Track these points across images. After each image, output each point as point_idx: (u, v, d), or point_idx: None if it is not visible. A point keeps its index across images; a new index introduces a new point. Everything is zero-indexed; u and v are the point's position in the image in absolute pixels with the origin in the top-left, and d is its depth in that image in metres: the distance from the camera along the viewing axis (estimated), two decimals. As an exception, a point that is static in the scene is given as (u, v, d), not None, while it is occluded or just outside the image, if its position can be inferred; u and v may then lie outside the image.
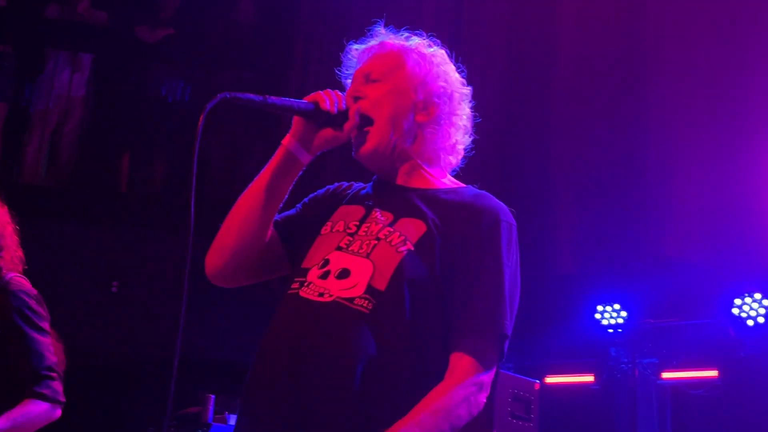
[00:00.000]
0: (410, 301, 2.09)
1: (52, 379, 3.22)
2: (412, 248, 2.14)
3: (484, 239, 2.18)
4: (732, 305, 6.27)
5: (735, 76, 6.44)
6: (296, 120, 2.28)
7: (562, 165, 6.94)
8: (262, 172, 2.29)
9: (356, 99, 2.30)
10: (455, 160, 2.40)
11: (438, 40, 2.45)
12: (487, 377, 2.12)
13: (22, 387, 3.18)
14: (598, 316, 6.98)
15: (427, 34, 2.43)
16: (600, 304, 6.97)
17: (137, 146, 8.52)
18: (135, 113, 8.38)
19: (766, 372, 6.25)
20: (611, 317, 6.92)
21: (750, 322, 6.19)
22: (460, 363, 2.10)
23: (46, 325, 3.30)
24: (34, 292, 3.34)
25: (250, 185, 2.29)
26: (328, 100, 2.24)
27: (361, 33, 2.43)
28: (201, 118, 2.07)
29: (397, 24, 2.42)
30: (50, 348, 3.26)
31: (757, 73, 6.36)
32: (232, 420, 5.96)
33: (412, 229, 2.18)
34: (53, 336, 3.37)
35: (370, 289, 2.10)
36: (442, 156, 2.36)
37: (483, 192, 2.32)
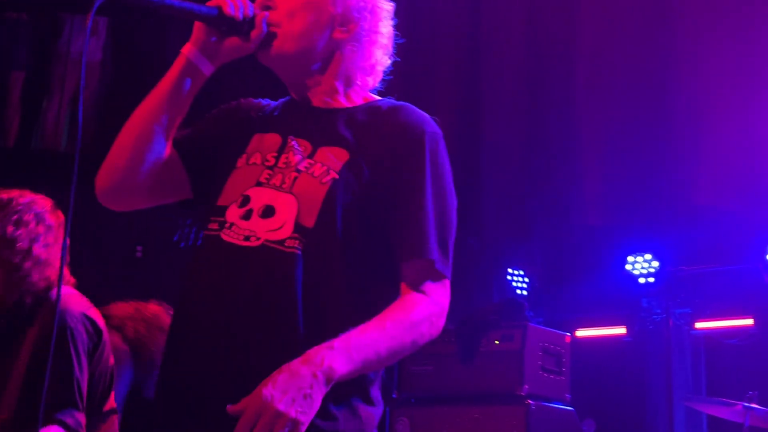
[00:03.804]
0: (342, 234, 1.96)
1: (77, 409, 3.02)
2: (337, 177, 2.00)
3: (408, 157, 2.04)
4: (767, 251, 6.15)
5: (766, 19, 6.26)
6: (197, 26, 2.08)
7: (588, 113, 6.80)
8: (159, 83, 2.10)
9: (267, 8, 2.11)
10: (373, 81, 2.22)
11: None
12: (445, 300, 2.02)
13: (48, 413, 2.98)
14: (629, 266, 6.90)
15: None
16: (631, 254, 6.89)
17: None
18: (154, 76, 8.31)
19: (803, 319, 6.15)
20: (643, 267, 6.84)
21: (786, 269, 6.08)
22: (411, 286, 2.00)
23: (81, 349, 3.07)
24: (80, 311, 3.14)
25: (145, 98, 2.10)
26: (233, 4, 2.04)
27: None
28: (89, 16, 1.87)
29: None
30: (83, 376, 3.05)
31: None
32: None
33: (333, 158, 2.03)
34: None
35: (299, 227, 1.96)
36: (360, 76, 2.18)
37: (402, 104, 2.16)
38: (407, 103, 2.17)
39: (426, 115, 2.14)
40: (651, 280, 6.80)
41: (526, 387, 5.03)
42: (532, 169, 6.90)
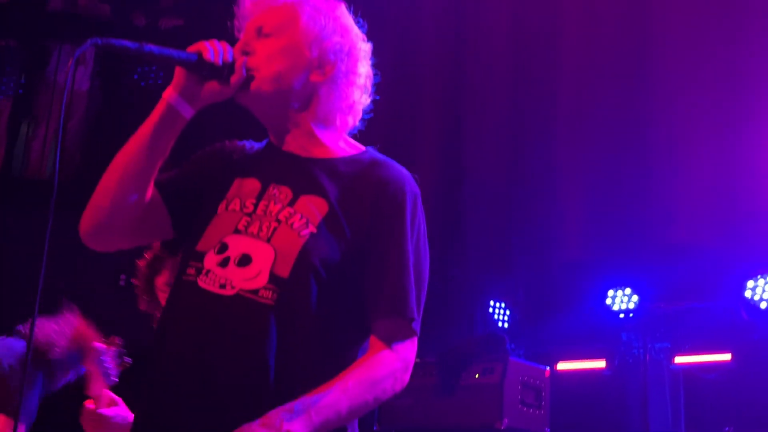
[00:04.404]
0: (316, 287, 2.00)
1: None
2: (315, 231, 2.04)
3: (389, 216, 2.08)
4: (744, 288, 6.21)
5: (741, 57, 6.37)
6: (178, 71, 2.11)
7: (569, 151, 6.89)
8: (141, 127, 2.12)
9: (246, 53, 2.15)
10: (353, 121, 2.25)
11: None
12: (411, 356, 2.06)
13: None
14: (609, 301, 6.93)
15: None
16: (611, 288, 6.93)
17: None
18: (140, 106, 8.35)
19: (780, 355, 6.20)
20: (622, 302, 6.88)
21: (763, 305, 6.13)
22: (382, 341, 2.03)
23: None
24: None
25: (127, 142, 2.13)
26: (212, 50, 2.08)
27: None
28: (69, 63, 1.93)
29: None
30: None
31: (764, 52, 6.29)
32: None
33: (314, 208, 2.07)
34: None
35: (273, 278, 2.00)
36: (339, 117, 2.21)
37: (384, 159, 2.20)
38: (388, 159, 2.20)
39: (407, 172, 2.18)
40: (630, 314, 6.84)
41: (506, 420, 5.05)
42: (514, 204, 6.97)
